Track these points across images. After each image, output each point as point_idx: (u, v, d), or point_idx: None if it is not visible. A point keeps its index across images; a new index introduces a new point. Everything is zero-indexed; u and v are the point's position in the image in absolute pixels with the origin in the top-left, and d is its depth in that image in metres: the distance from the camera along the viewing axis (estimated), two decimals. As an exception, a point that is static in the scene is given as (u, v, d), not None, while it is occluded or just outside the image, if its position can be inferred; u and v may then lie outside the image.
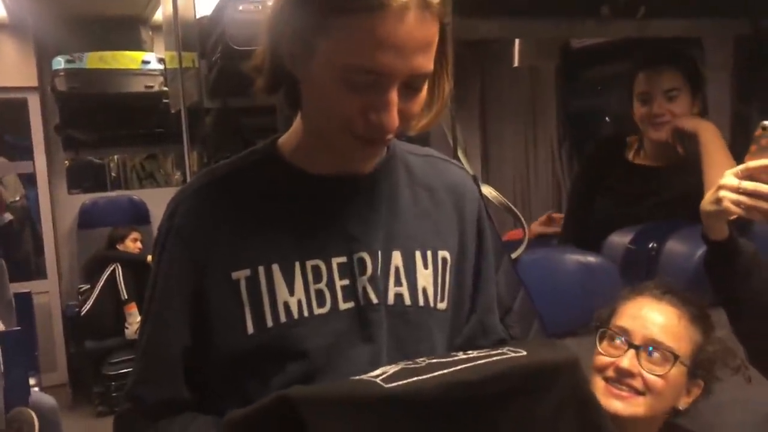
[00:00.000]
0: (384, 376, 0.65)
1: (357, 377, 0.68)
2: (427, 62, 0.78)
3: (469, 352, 0.71)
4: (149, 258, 4.32)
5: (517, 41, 2.32)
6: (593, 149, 2.24)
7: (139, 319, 4.15)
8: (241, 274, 0.84)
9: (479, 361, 0.67)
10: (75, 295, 4.45)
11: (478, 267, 0.99)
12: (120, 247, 4.33)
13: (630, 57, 2.29)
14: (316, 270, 0.86)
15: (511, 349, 0.69)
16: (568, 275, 1.62)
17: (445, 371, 0.65)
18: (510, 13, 1.69)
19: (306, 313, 0.85)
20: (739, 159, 1.13)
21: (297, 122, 0.91)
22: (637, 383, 1.15)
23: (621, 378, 1.15)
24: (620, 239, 1.82)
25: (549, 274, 1.63)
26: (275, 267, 0.85)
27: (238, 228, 0.86)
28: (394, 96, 0.77)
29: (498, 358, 0.67)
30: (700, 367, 1.18)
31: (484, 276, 1.00)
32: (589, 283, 1.59)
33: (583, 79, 3.08)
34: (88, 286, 4.29)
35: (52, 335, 4.52)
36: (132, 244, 4.35)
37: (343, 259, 0.87)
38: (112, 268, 4.24)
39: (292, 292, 0.85)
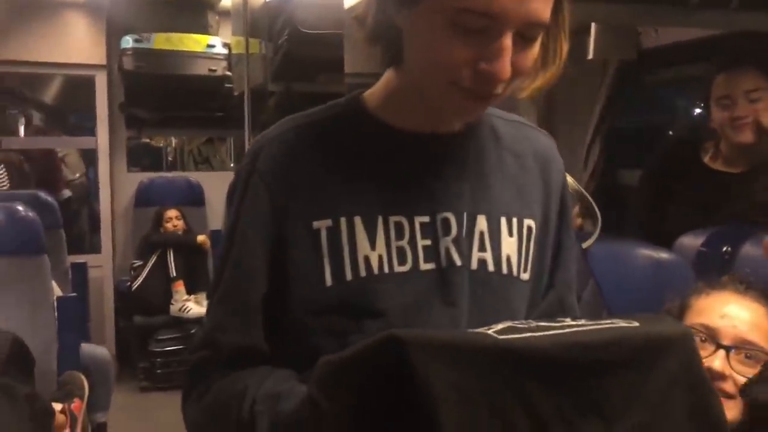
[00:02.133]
0: (494, 330, 0.61)
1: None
2: (544, 9, 0.72)
3: (577, 319, 0.67)
4: (199, 238, 4.40)
5: (593, 32, 2.25)
6: (667, 150, 2.17)
7: (184, 297, 4.23)
8: (322, 224, 0.82)
9: (591, 327, 0.63)
10: (127, 270, 4.54)
11: (559, 240, 0.95)
12: (167, 226, 4.41)
13: (705, 60, 2.21)
14: (399, 227, 0.83)
15: (623, 319, 0.65)
16: (639, 270, 1.56)
17: (558, 332, 0.61)
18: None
19: (386, 270, 0.82)
20: None
21: (386, 77, 0.88)
22: (728, 386, 1.07)
23: (714, 380, 1.06)
24: (692, 241, 1.75)
25: (619, 268, 1.57)
26: (357, 219, 0.82)
27: (320, 177, 0.84)
28: (508, 43, 0.72)
29: (610, 326, 0.63)
30: None
31: (565, 251, 0.96)
32: (661, 279, 1.53)
33: (643, 82, 3.00)
34: (141, 262, 4.36)
35: (102, 309, 4.61)
36: (176, 222, 4.42)
37: (425, 219, 0.84)
38: (163, 248, 4.33)
39: (373, 247, 0.82)
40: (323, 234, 0.82)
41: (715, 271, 1.66)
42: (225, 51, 4.41)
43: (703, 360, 1.08)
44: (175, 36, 4.33)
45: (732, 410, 1.06)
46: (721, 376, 1.07)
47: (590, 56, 2.36)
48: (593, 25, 1.89)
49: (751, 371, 1.07)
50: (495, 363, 0.58)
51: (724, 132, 1.80)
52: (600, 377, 0.61)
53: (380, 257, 0.82)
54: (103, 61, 4.55)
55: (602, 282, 1.48)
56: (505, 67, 0.73)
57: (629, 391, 0.61)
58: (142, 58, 4.27)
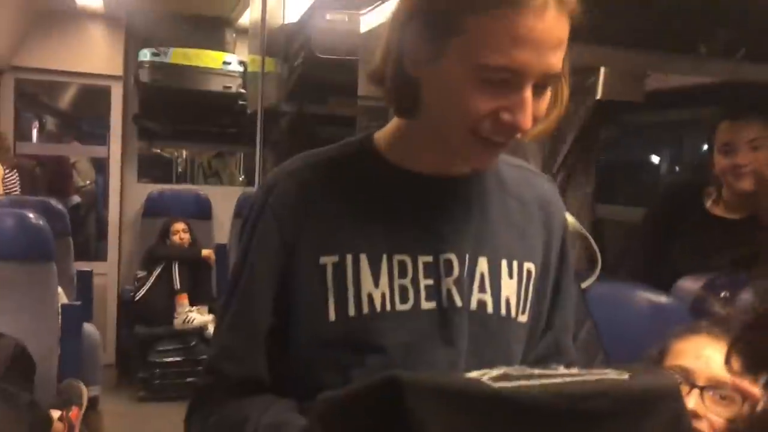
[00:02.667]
0: (489, 376, 0.64)
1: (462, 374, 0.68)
2: (559, 61, 0.76)
3: (570, 367, 0.69)
4: (204, 252, 4.43)
5: (602, 74, 2.30)
6: (669, 193, 2.19)
7: (187, 309, 4.25)
8: (328, 260, 0.85)
9: (583, 377, 0.65)
10: (132, 280, 4.57)
11: (558, 284, 0.98)
12: (173, 238, 4.44)
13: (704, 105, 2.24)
14: (402, 265, 0.86)
15: (614, 370, 0.67)
16: (637, 312, 1.58)
17: (550, 381, 0.63)
18: (602, 41, 1.68)
19: (388, 308, 0.85)
20: None
21: (396, 121, 0.91)
22: (703, 426, 1.08)
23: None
24: (691, 285, 1.77)
25: (617, 309, 1.59)
26: (363, 257, 0.85)
27: (330, 214, 0.87)
28: (529, 95, 0.76)
29: (601, 377, 0.66)
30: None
31: (564, 294, 0.98)
32: (659, 322, 1.54)
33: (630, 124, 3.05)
34: (145, 273, 4.39)
35: (105, 317, 4.63)
36: (183, 235, 4.45)
37: (429, 259, 0.87)
38: (168, 260, 4.36)
39: (377, 285, 0.85)
40: (329, 269, 0.85)
41: (712, 316, 1.68)
42: (240, 69, 4.48)
43: None
44: (192, 51, 4.41)
45: None
46: (696, 416, 1.08)
47: (598, 96, 2.40)
48: (602, 68, 1.93)
49: (727, 412, 1.09)
50: (488, 409, 0.60)
51: (726, 178, 1.83)
52: (589, 427, 0.63)
53: (383, 295, 0.85)
54: (120, 72, 4.62)
55: (600, 323, 1.50)
56: (528, 117, 0.77)
57: None
58: (158, 72, 4.34)
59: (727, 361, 0.90)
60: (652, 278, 1.84)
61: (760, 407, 1.08)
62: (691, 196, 1.97)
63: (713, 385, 1.11)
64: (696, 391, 1.11)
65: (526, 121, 0.77)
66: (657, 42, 1.67)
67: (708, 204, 1.92)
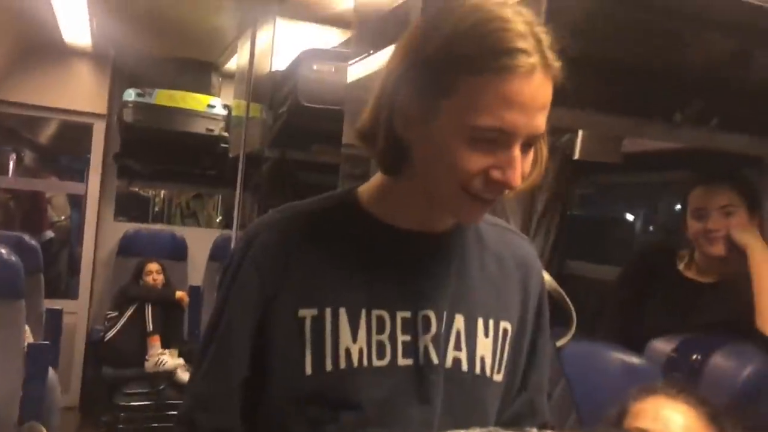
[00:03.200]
0: None
1: None
2: (544, 121, 0.80)
3: (543, 430, 0.70)
4: (178, 294, 4.38)
5: (579, 136, 2.35)
6: (643, 254, 2.23)
7: (159, 351, 4.17)
8: (308, 313, 0.85)
9: None
10: (102, 319, 4.48)
11: (534, 344, 0.99)
12: (147, 279, 4.39)
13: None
14: (381, 320, 0.87)
15: None
16: (610, 372, 1.59)
17: None
18: (580, 105, 1.73)
19: (365, 363, 0.85)
20: None
21: (380, 176, 0.93)
22: None
23: None
24: (663, 346, 1.78)
25: (591, 369, 1.59)
26: (342, 311, 0.86)
27: (311, 267, 0.88)
28: (517, 153, 0.79)
29: None
30: None
31: (539, 354, 0.99)
32: (631, 383, 1.55)
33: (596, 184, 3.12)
34: (117, 313, 4.32)
35: (72, 356, 4.53)
36: (157, 276, 4.39)
37: (407, 314, 0.88)
38: (141, 301, 4.29)
39: (355, 339, 0.85)
40: (308, 323, 0.85)
41: (684, 378, 1.69)
42: (224, 112, 4.50)
43: None
44: (177, 93, 4.43)
45: None
46: None
47: (576, 157, 2.46)
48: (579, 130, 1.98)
49: None
50: None
51: (698, 242, 1.87)
52: None
53: (361, 350, 0.85)
54: (104, 111, 4.62)
55: (573, 381, 1.51)
56: (517, 175, 0.80)
57: None
58: (142, 112, 4.34)
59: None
60: (625, 338, 1.86)
61: None
62: (664, 258, 2.01)
63: None
64: None
65: (516, 178, 0.79)
66: (633, 108, 1.72)
67: (681, 266, 1.96)
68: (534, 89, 0.76)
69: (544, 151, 0.88)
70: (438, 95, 0.79)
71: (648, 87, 1.71)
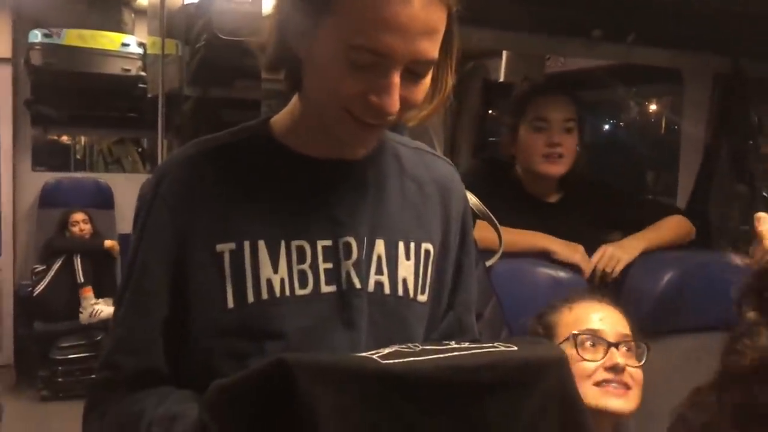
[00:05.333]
0: (379, 354, 0.64)
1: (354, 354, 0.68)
2: (431, 48, 0.77)
3: (462, 342, 0.71)
4: (107, 243, 4.26)
5: (504, 58, 2.36)
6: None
7: (93, 302, 4.08)
8: (225, 247, 0.83)
9: (472, 351, 0.67)
10: (29, 274, 4.33)
11: (459, 264, 0.99)
12: (73, 230, 4.24)
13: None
14: (301, 251, 0.85)
15: (502, 343, 0.69)
16: (539, 288, 1.63)
17: (440, 356, 0.65)
18: (502, 26, 1.72)
19: (288, 293, 0.84)
20: None
21: (292, 104, 0.91)
22: (627, 378, 1.19)
23: (617, 375, 1.18)
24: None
25: (520, 286, 1.63)
26: (261, 243, 0.84)
27: (225, 201, 0.85)
28: (395, 79, 0.77)
29: (490, 349, 0.68)
30: None
31: (465, 273, 1.00)
32: (560, 296, 1.61)
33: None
34: (44, 267, 4.18)
35: (0, 314, 4.38)
36: (83, 226, 4.26)
37: (328, 243, 0.87)
38: (69, 253, 4.17)
39: (276, 270, 0.84)
40: (226, 257, 0.83)
41: (608, 286, 1.76)
42: (140, 50, 4.31)
43: (600, 359, 1.18)
44: (87, 33, 4.20)
45: (633, 400, 1.19)
46: (619, 370, 1.19)
47: (501, 79, 2.47)
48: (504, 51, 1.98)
49: (637, 362, 1.21)
50: (377, 386, 0.61)
51: (533, 159, 1.77)
52: (479, 399, 0.65)
53: (282, 280, 0.84)
54: (8, 55, 4.33)
55: (503, 299, 1.54)
56: (393, 101, 0.77)
57: (506, 411, 0.66)
58: (51, 54, 4.11)
59: None
60: None
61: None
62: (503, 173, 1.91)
63: (623, 340, 1.22)
64: (612, 349, 1.20)
65: (392, 104, 0.77)
66: (554, 27, 1.73)
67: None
68: (414, 12, 0.74)
69: (449, 80, 0.86)
70: (319, 13, 0.77)
71: (567, 4, 1.71)
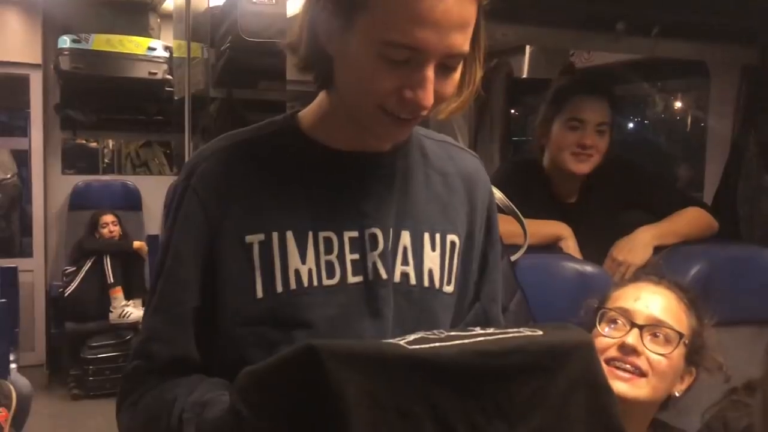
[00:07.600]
0: (405, 341, 0.65)
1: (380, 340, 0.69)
2: (463, 42, 0.78)
3: (487, 328, 0.71)
4: (135, 244, 4.32)
5: (527, 53, 2.35)
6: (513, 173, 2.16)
7: (123, 303, 4.15)
8: (254, 238, 0.85)
9: (498, 336, 0.67)
10: (60, 275, 4.42)
11: (484, 256, 1.00)
12: (102, 231, 4.31)
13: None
14: (328, 242, 0.87)
15: (528, 328, 0.70)
16: (564, 281, 1.63)
17: (467, 341, 0.65)
18: (526, 20, 1.71)
19: (315, 283, 0.85)
20: None
21: (319, 99, 0.92)
22: (642, 363, 1.14)
23: (625, 356, 1.14)
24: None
25: (545, 279, 1.63)
26: (289, 234, 0.85)
27: (254, 193, 0.87)
28: (430, 73, 0.77)
29: (516, 334, 0.68)
30: (696, 353, 1.18)
31: (491, 265, 1.01)
32: (585, 291, 1.60)
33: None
34: (74, 268, 4.26)
35: (33, 315, 4.47)
36: (113, 228, 4.33)
37: (354, 234, 0.88)
38: (99, 254, 4.24)
39: (303, 261, 0.85)
40: (255, 248, 0.85)
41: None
42: (166, 54, 4.36)
43: (618, 337, 1.16)
44: (115, 37, 4.27)
45: (644, 388, 1.13)
46: (635, 352, 1.14)
47: (525, 75, 2.46)
48: (527, 47, 1.98)
49: (664, 349, 1.15)
50: (404, 371, 0.62)
51: (563, 157, 1.76)
52: (505, 383, 0.65)
53: (310, 271, 0.85)
54: (39, 60, 4.43)
55: (528, 293, 1.54)
56: (428, 95, 0.78)
57: (533, 395, 0.66)
58: (80, 59, 4.18)
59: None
60: None
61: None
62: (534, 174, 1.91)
63: (651, 324, 1.17)
64: (636, 331, 1.16)
65: (428, 99, 0.78)
66: (577, 21, 1.72)
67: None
68: (448, 6, 0.74)
69: (478, 73, 0.86)
70: (351, 10, 0.77)
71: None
